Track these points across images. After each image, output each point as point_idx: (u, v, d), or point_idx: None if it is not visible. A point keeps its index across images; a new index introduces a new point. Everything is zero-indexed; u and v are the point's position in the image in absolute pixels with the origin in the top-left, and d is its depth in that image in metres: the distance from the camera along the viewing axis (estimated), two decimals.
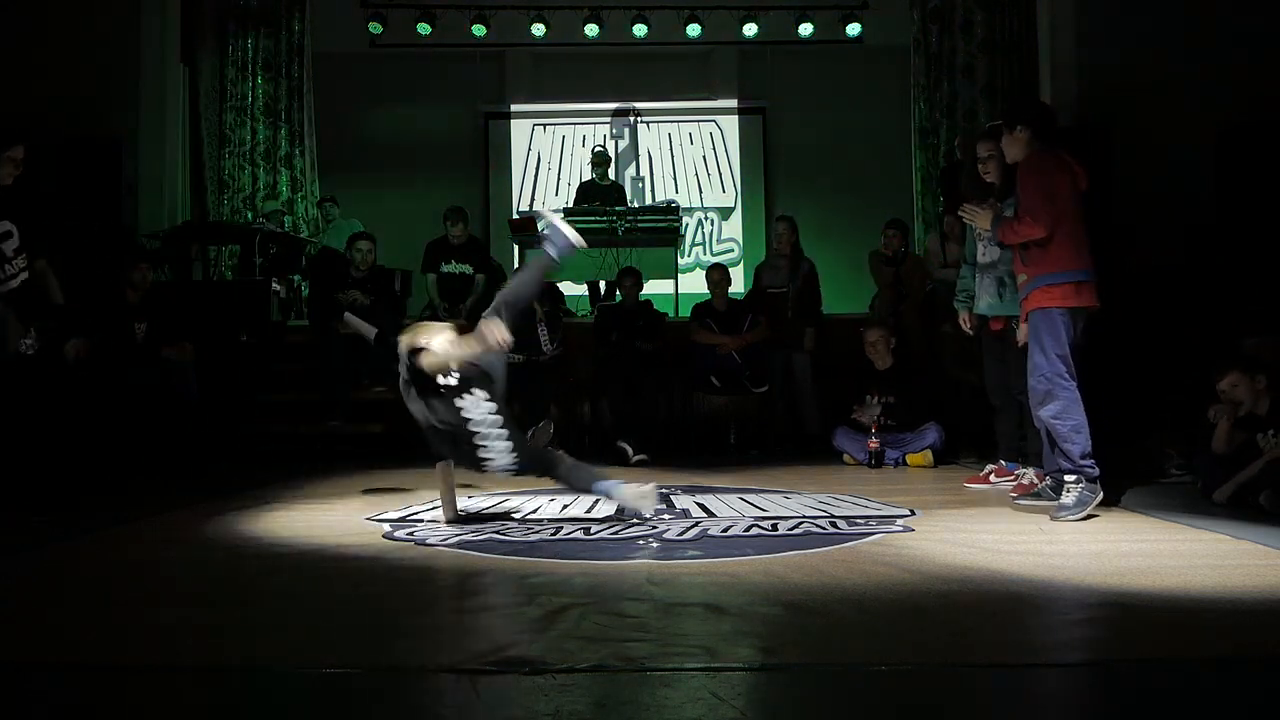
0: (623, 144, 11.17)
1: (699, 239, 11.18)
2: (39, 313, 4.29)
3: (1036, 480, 4.51)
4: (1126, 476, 4.39)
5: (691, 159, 11.30)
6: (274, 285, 8.13)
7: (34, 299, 4.25)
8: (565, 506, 4.30)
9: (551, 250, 3.92)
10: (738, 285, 9.04)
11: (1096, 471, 3.88)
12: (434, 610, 2.57)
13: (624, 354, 6.75)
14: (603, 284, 8.56)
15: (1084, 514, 3.77)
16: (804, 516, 3.89)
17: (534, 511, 4.16)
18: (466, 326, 3.76)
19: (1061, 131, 4.43)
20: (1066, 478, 3.88)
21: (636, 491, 3.63)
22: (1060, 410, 3.89)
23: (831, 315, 7.62)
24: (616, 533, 3.58)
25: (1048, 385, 3.91)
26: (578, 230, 3.99)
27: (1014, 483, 4.72)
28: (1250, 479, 4.06)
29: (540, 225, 4.23)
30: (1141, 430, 5.47)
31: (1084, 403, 3.94)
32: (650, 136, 11.26)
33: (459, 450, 3.55)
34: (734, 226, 11.24)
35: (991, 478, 4.89)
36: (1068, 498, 3.84)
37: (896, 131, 10.05)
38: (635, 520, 3.73)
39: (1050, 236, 3.93)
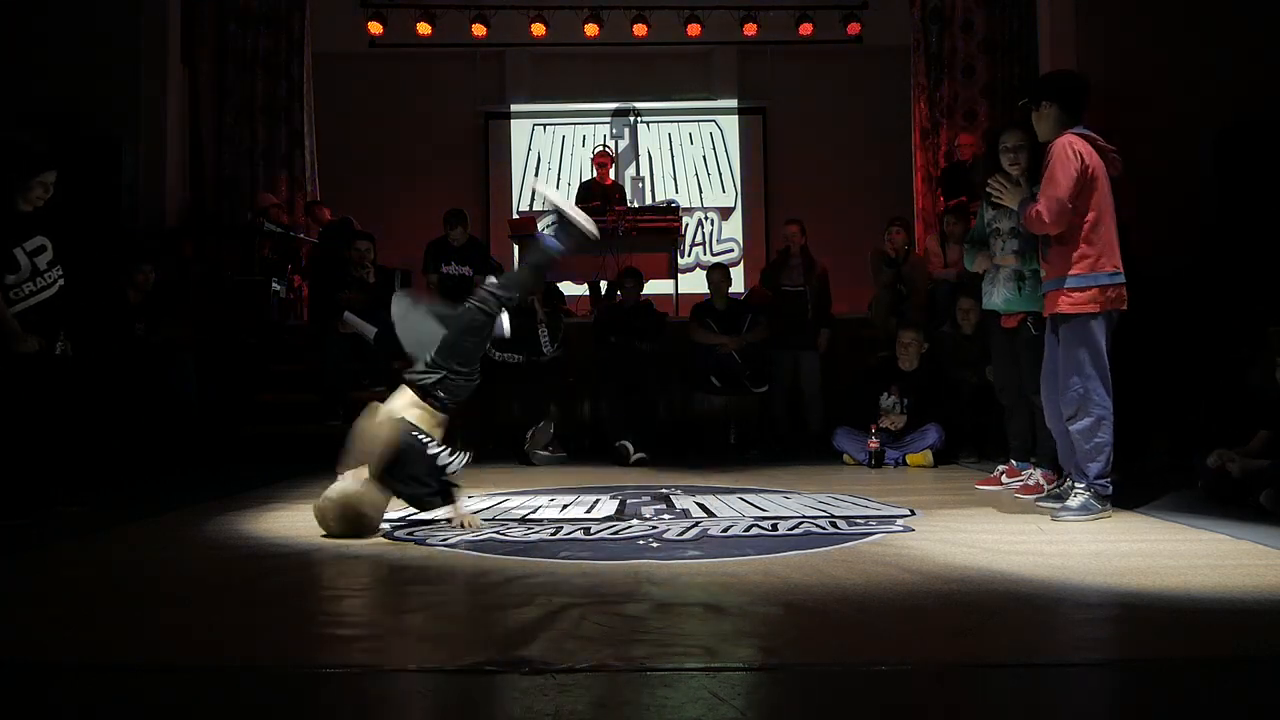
0: (623, 144, 11.17)
1: (699, 239, 11.18)
2: (70, 320, 4.51)
3: (1044, 481, 4.50)
4: (1126, 478, 4.38)
5: (691, 159, 11.30)
6: (274, 285, 8.13)
7: (64, 307, 4.45)
8: (565, 506, 4.30)
9: (553, 245, 3.91)
10: (738, 285, 9.05)
11: (1110, 491, 3.84)
12: (434, 610, 2.57)
13: (624, 354, 6.75)
14: (603, 284, 8.57)
15: (1086, 519, 3.75)
16: (804, 516, 3.89)
17: (534, 511, 4.16)
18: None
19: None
20: (1077, 484, 3.87)
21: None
22: (1089, 427, 3.81)
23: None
24: (616, 533, 3.58)
25: (1080, 401, 3.80)
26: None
27: (1022, 482, 4.70)
28: (1252, 474, 4.05)
29: (543, 225, 4.18)
30: (1141, 429, 5.46)
31: None
32: (650, 136, 11.26)
33: None
34: (734, 226, 11.24)
35: (1003, 478, 4.85)
36: (1074, 500, 3.83)
37: (896, 131, 10.05)
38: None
39: (1075, 234, 3.79)
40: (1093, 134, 3.90)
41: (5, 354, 4.20)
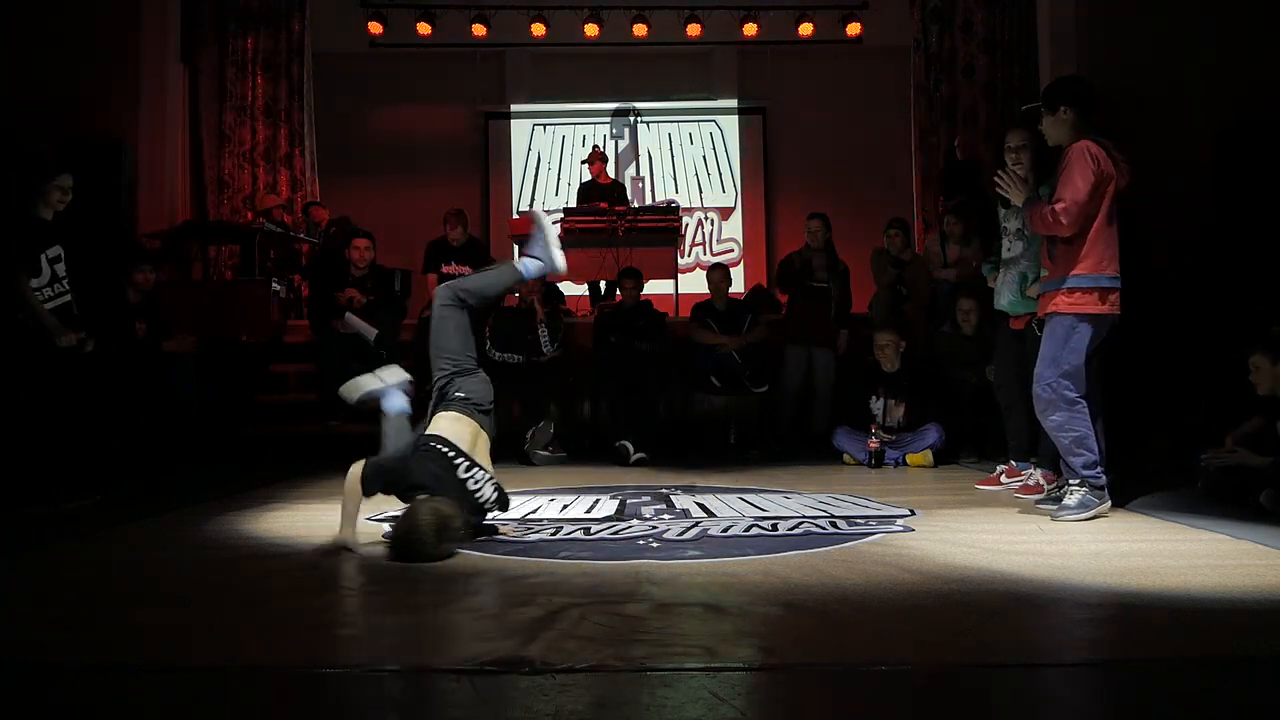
0: (623, 144, 11.18)
1: (699, 239, 11.18)
2: (87, 322, 4.69)
3: (1044, 482, 4.49)
4: (1127, 478, 4.38)
5: (691, 159, 11.31)
6: (274, 285, 8.13)
7: (83, 309, 4.64)
8: (565, 506, 4.30)
9: (527, 267, 3.72)
10: (738, 285, 9.05)
11: (1103, 481, 3.84)
12: (434, 610, 2.57)
13: (624, 354, 6.75)
14: (603, 284, 8.57)
15: (1086, 517, 3.76)
16: (804, 516, 3.89)
17: (534, 511, 4.16)
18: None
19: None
20: (1071, 481, 3.88)
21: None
22: (1063, 423, 3.84)
23: None
24: (617, 533, 3.58)
25: (1051, 395, 3.84)
26: (578, 231, 3.95)
27: (1022, 482, 4.70)
28: (1252, 474, 4.05)
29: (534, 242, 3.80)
30: (1142, 429, 5.46)
31: (1097, 404, 3.90)
32: (650, 136, 11.27)
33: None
34: (734, 226, 11.25)
35: (1002, 478, 4.84)
36: (1070, 499, 3.83)
37: (896, 131, 10.05)
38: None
39: (1082, 236, 3.80)
40: (1107, 142, 3.90)
41: (29, 352, 4.34)
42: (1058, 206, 3.79)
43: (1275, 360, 4.31)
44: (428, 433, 3.42)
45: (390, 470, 3.29)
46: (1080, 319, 3.84)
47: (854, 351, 6.89)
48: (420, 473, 3.27)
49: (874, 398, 5.99)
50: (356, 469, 3.26)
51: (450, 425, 3.45)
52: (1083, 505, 3.79)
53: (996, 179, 4.13)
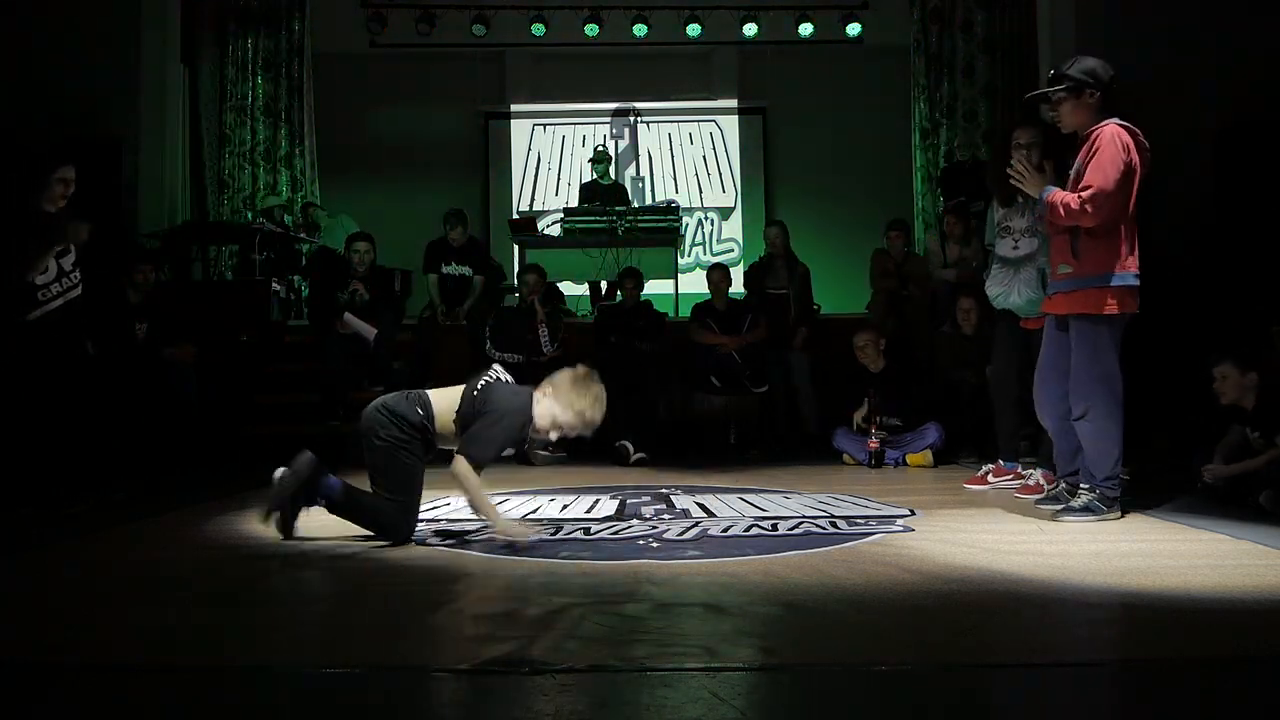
0: (623, 144, 11.18)
1: (699, 239, 11.18)
2: (91, 324, 4.72)
3: (1044, 482, 4.46)
4: (1127, 478, 4.38)
5: (691, 159, 11.31)
6: (274, 285, 8.13)
7: (89, 310, 4.64)
8: (565, 506, 4.30)
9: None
10: (737, 285, 9.06)
11: (1117, 493, 3.78)
12: (434, 610, 2.57)
13: (624, 354, 6.75)
14: (603, 284, 8.57)
15: (1088, 521, 3.71)
16: (804, 516, 3.89)
17: (534, 511, 4.16)
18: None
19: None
20: (1082, 485, 3.84)
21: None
22: (1097, 430, 3.71)
23: (830, 316, 7.63)
24: (616, 533, 3.58)
25: (1089, 401, 3.69)
26: (579, 229, 3.91)
27: (1017, 482, 4.69)
28: (1250, 475, 4.06)
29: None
30: (1142, 429, 5.44)
31: None
32: (650, 136, 11.26)
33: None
34: (734, 226, 11.25)
35: (989, 477, 4.83)
36: (1077, 502, 3.80)
37: (896, 131, 10.06)
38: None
39: (1112, 230, 3.60)
40: (1135, 128, 3.70)
41: (30, 353, 4.31)
42: (1084, 194, 3.57)
43: (1244, 370, 4.26)
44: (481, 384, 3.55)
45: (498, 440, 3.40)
46: (1112, 319, 3.68)
47: (837, 351, 6.92)
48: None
49: (866, 399, 5.99)
50: (464, 466, 3.29)
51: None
52: (1088, 509, 3.75)
53: (1012, 167, 3.90)
